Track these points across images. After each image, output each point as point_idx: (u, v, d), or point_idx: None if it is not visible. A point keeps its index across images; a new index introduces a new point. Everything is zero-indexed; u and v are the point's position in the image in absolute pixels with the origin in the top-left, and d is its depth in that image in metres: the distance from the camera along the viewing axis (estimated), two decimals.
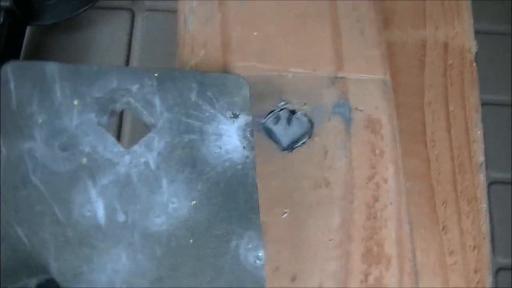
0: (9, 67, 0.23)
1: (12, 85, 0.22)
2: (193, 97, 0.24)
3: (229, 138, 0.24)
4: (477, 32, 0.36)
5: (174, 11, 0.31)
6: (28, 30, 0.45)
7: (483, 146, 0.32)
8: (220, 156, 0.23)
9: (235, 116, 0.24)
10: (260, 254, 0.22)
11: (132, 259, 0.21)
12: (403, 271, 0.26)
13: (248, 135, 0.24)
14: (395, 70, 0.32)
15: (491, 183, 0.48)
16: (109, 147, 0.23)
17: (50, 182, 0.22)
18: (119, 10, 0.46)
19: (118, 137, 0.39)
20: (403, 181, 0.27)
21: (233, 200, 0.23)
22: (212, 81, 0.24)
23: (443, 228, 0.30)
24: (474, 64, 0.34)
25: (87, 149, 0.22)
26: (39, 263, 0.20)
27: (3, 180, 0.21)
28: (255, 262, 0.22)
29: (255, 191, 0.23)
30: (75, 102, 0.23)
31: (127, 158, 0.23)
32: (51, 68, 0.23)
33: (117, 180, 0.22)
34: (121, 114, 0.32)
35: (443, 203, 0.30)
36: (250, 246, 0.23)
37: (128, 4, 0.47)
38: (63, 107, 0.23)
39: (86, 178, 0.22)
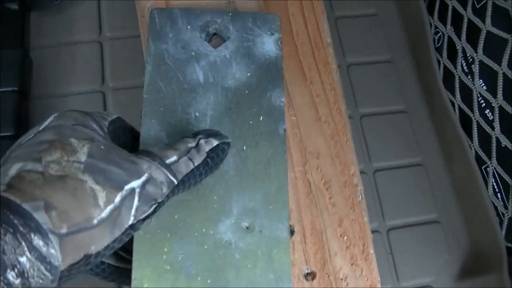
0: (155, 11, 0.41)
1: (156, 18, 0.41)
2: (250, 24, 0.43)
3: (269, 44, 0.42)
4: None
5: None
6: None
7: (330, 34, 0.49)
8: (264, 53, 0.42)
9: (272, 34, 0.43)
10: (282, 99, 0.40)
11: (216, 98, 0.40)
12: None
13: (279, 43, 0.43)
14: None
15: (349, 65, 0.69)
16: (205, 47, 0.41)
17: (176, 63, 0.40)
18: None
19: None
20: None
21: (269, 73, 0.42)
22: (260, 16, 0.43)
23: (310, 82, 0.47)
24: None
25: (194, 48, 0.41)
26: (170, 99, 0.39)
27: (153, 62, 0.40)
28: (280, 103, 0.40)
29: (281, 70, 0.42)
30: (188, 27, 0.42)
31: (214, 52, 0.41)
32: (175, 11, 0.42)
33: (209, 62, 0.41)
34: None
35: (308, 68, 0.47)
36: (277, 95, 0.41)
37: None
38: (182, 29, 0.41)
39: (194, 61, 0.41)
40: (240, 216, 0.37)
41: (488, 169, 0.60)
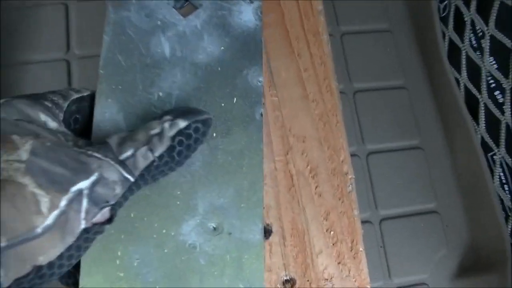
0: None
1: None
2: None
3: (247, 14, 0.37)
4: None
5: None
6: None
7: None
8: (241, 23, 0.37)
9: (251, 1, 0.38)
10: (260, 79, 0.36)
11: (183, 76, 0.35)
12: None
13: (259, 13, 0.37)
14: None
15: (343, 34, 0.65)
16: (173, 16, 0.36)
17: (138, 33, 0.35)
18: None
19: None
20: None
21: (246, 48, 0.36)
22: None
23: (297, 54, 0.42)
24: None
25: (160, 16, 0.36)
26: (130, 75, 0.34)
27: (112, 31, 0.35)
28: (257, 83, 0.35)
29: (260, 44, 0.37)
30: None
31: (184, 22, 0.36)
32: None
33: (177, 33, 0.36)
34: None
35: (296, 38, 0.43)
36: (255, 73, 0.36)
37: None
38: None
39: (159, 31, 0.35)
40: (207, 215, 0.33)
41: (495, 157, 0.56)
